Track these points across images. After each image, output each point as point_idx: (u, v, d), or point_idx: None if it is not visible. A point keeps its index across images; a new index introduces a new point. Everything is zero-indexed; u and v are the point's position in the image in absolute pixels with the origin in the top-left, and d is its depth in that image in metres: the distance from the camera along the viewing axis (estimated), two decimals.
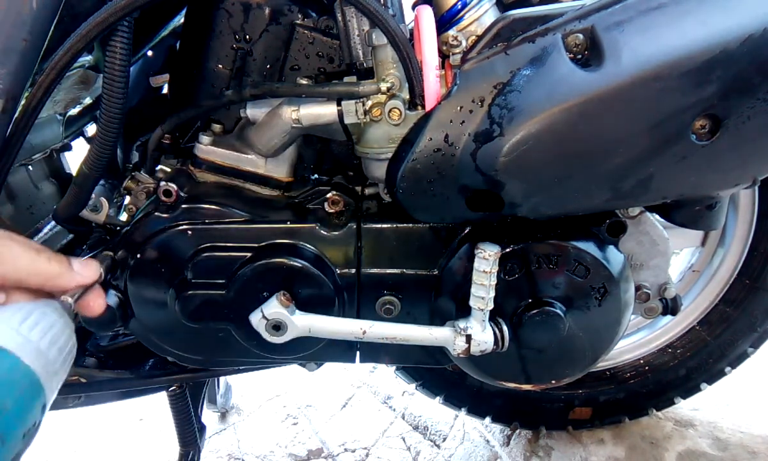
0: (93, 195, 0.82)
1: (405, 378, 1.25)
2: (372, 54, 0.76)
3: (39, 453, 1.43)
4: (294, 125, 0.77)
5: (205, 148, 0.84)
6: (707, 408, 1.40)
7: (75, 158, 1.19)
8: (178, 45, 0.98)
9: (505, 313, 0.82)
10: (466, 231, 0.82)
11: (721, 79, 0.63)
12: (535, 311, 0.80)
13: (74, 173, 0.82)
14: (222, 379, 1.52)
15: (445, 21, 0.79)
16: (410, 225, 0.82)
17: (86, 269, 0.63)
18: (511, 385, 0.92)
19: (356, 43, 0.78)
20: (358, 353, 0.92)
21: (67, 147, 1.23)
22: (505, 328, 0.79)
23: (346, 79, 0.81)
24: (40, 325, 0.54)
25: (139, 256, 0.80)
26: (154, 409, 1.54)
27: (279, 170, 0.86)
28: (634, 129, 0.66)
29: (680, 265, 1.27)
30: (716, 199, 0.79)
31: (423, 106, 0.72)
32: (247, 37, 0.87)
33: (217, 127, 0.88)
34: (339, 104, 0.76)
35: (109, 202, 0.84)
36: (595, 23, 0.66)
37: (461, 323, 0.77)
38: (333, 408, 1.55)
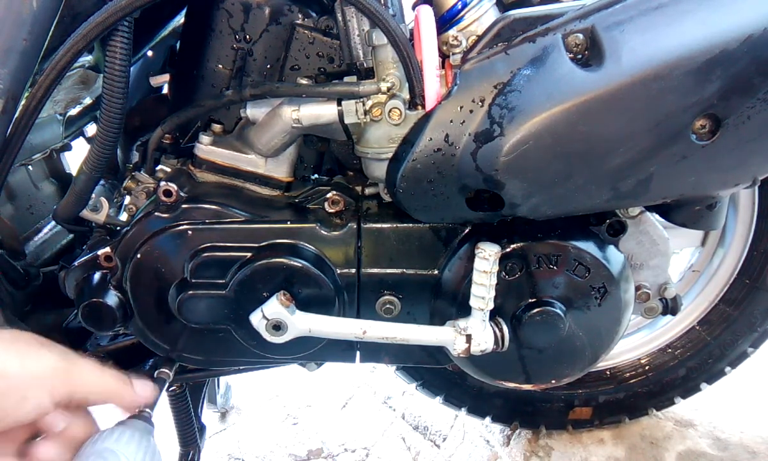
0: (93, 195, 0.82)
1: (405, 378, 1.25)
2: (372, 54, 0.76)
3: None
4: (294, 125, 0.77)
5: (205, 148, 0.84)
6: (707, 408, 1.40)
7: (75, 158, 1.20)
8: (178, 45, 0.98)
9: (505, 313, 0.82)
10: (466, 231, 0.82)
11: (721, 79, 0.63)
12: (535, 311, 0.80)
13: (74, 173, 0.82)
14: (222, 379, 1.52)
15: (445, 21, 0.79)
16: (410, 225, 0.82)
17: (145, 390, 0.69)
18: (512, 385, 0.92)
19: (356, 43, 0.78)
20: (358, 353, 0.92)
21: (67, 147, 1.23)
22: (505, 328, 0.79)
23: (346, 79, 0.81)
24: None
25: (139, 256, 0.80)
26: (154, 409, 1.54)
27: (279, 170, 0.85)
28: (635, 129, 0.66)
29: (680, 265, 1.27)
30: (716, 199, 0.79)
31: (423, 106, 0.72)
32: (247, 37, 0.87)
33: (217, 127, 0.88)
34: (339, 104, 0.76)
35: (109, 202, 0.84)
36: (595, 23, 0.66)
37: (461, 323, 0.77)
38: (333, 408, 1.54)
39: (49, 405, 0.55)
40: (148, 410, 0.71)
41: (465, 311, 0.78)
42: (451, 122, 0.69)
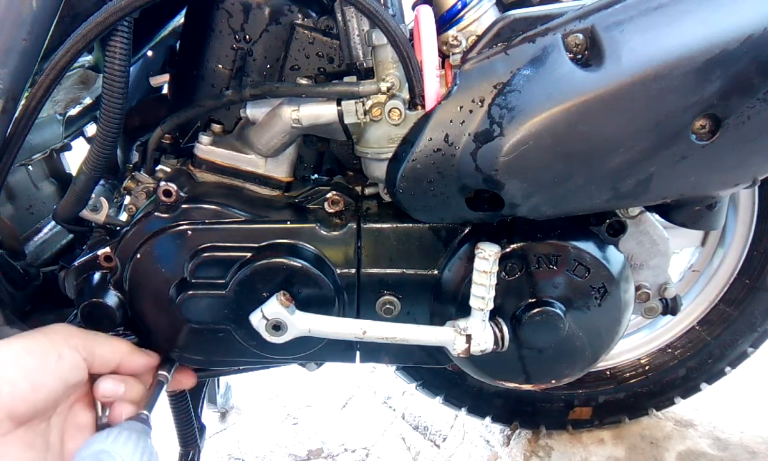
0: (93, 195, 0.82)
1: (405, 378, 1.25)
2: (372, 54, 0.76)
3: None
4: (294, 125, 0.77)
5: (205, 148, 0.84)
6: (707, 408, 1.40)
7: (75, 158, 1.20)
8: (178, 45, 0.99)
9: (505, 313, 0.82)
10: (466, 231, 0.82)
11: (721, 79, 0.63)
12: (535, 311, 0.80)
13: (74, 173, 0.82)
14: (222, 379, 1.52)
15: (445, 21, 0.79)
16: (410, 225, 0.82)
17: (153, 355, 0.80)
18: (511, 385, 0.92)
19: (356, 43, 0.78)
20: (358, 353, 0.92)
21: (67, 147, 1.23)
22: (505, 328, 0.79)
23: (346, 79, 0.81)
24: None
25: (139, 256, 0.80)
26: (154, 409, 1.54)
27: (279, 170, 0.85)
28: (634, 129, 0.66)
29: (680, 265, 1.27)
30: (716, 199, 0.79)
31: (423, 106, 0.72)
32: (247, 37, 0.87)
33: (217, 127, 0.88)
34: (339, 104, 0.76)
35: (109, 202, 0.84)
36: (595, 23, 0.66)
37: (461, 323, 0.77)
38: (333, 408, 1.55)
39: (81, 361, 0.66)
40: (145, 412, 0.71)
41: (465, 311, 0.78)
42: (451, 122, 0.69)
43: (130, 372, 0.75)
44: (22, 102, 0.69)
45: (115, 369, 0.73)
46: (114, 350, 0.72)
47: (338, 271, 0.82)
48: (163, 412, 0.93)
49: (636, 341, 1.28)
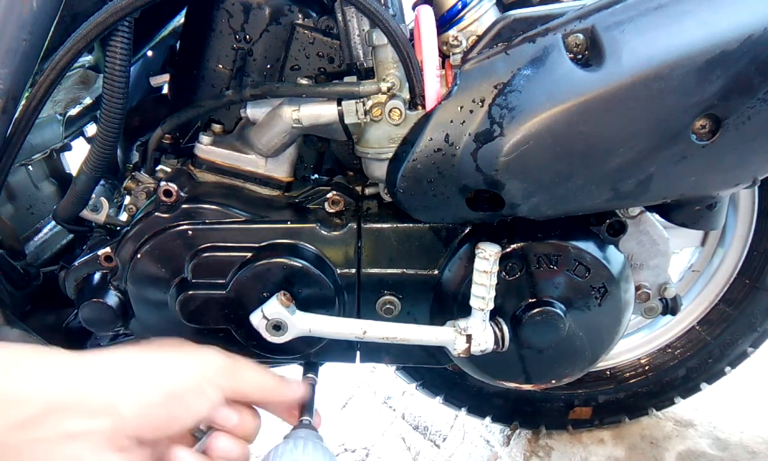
0: (93, 195, 0.82)
1: (405, 378, 1.25)
2: (372, 54, 0.76)
3: None
4: (294, 125, 0.77)
5: (205, 148, 0.84)
6: (707, 408, 1.40)
7: (75, 158, 1.20)
8: (178, 45, 0.99)
9: (505, 313, 0.82)
10: (466, 231, 0.82)
11: (721, 79, 0.63)
12: (535, 311, 0.80)
13: (74, 173, 0.82)
14: None
15: (446, 21, 0.79)
16: (410, 225, 0.82)
17: (302, 388, 0.71)
18: (512, 385, 0.92)
19: (356, 43, 0.79)
20: (358, 353, 0.92)
21: (67, 147, 1.23)
22: (505, 328, 0.79)
23: (346, 79, 0.81)
24: None
25: (139, 256, 0.80)
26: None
27: (279, 170, 0.85)
28: (635, 129, 0.66)
29: (680, 265, 1.27)
30: (716, 199, 0.79)
31: (423, 106, 0.72)
32: (248, 37, 0.87)
33: (217, 127, 0.88)
34: (339, 104, 0.76)
35: (109, 202, 0.84)
36: (595, 23, 0.66)
37: (461, 323, 0.77)
38: (333, 408, 1.54)
39: (219, 400, 0.59)
40: (307, 418, 0.70)
41: (465, 311, 0.78)
42: (451, 122, 0.69)
43: (273, 404, 0.68)
44: (23, 102, 0.69)
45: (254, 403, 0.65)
46: (257, 386, 0.64)
47: (338, 271, 0.82)
48: None
49: (636, 341, 1.27)
